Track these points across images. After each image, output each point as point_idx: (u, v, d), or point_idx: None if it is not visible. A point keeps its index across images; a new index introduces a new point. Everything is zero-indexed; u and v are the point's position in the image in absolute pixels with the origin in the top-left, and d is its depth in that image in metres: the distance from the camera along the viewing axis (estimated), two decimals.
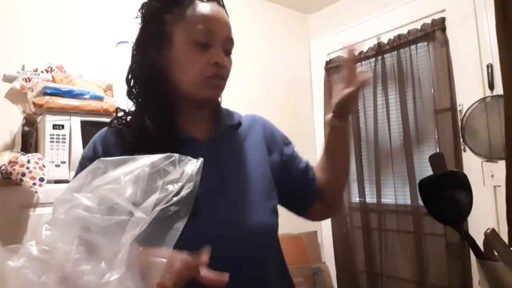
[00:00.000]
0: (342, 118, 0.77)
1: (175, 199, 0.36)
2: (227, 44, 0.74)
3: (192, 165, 0.38)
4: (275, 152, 0.82)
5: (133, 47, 0.77)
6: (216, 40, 0.71)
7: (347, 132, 0.80)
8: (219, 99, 0.81)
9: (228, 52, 0.75)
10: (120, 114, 0.79)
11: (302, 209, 0.85)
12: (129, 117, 0.77)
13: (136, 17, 0.77)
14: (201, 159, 0.42)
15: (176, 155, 0.39)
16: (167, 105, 0.74)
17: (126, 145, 0.69)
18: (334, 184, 0.83)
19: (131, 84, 0.77)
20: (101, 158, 0.39)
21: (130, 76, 0.77)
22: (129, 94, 0.78)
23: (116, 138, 0.72)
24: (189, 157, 0.40)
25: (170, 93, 0.73)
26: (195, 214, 0.62)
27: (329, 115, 0.78)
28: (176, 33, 0.71)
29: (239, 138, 0.81)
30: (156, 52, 0.72)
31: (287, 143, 0.87)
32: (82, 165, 0.69)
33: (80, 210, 0.35)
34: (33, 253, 0.36)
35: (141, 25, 0.76)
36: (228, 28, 0.74)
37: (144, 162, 0.38)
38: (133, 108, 0.79)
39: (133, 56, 0.76)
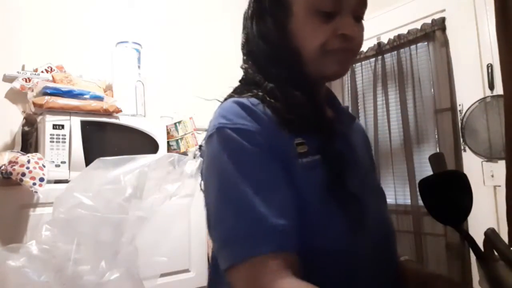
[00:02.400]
0: None
1: (174, 198, 0.36)
2: (359, 8, 0.61)
3: (192, 165, 0.38)
4: None
5: (245, 17, 0.67)
6: (344, 6, 0.58)
7: None
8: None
9: (359, 18, 0.61)
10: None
11: None
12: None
13: None
14: (200, 159, 0.41)
15: (176, 155, 0.39)
16: (309, 81, 0.62)
17: (285, 121, 0.57)
18: None
19: (251, 54, 0.66)
20: (101, 158, 0.38)
21: (247, 46, 0.67)
22: (251, 64, 0.66)
23: (269, 111, 0.58)
24: (188, 157, 0.40)
25: (297, 69, 0.62)
26: (365, 220, 0.56)
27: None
28: (296, 1, 0.60)
29: (353, 132, 0.71)
30: (274, 24, 0.62)
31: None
32: (250, 140, 0.53)
33: (81, 209, 0.36)
34: (34, 253, 0.36)
35: None
36: None
37: (143, 162, 0.38)
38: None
39: (246, 28, 0.67)
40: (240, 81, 0.68)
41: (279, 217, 0.49)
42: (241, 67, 0.68)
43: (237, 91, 0.65)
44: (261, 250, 0.47)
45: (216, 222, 0.52)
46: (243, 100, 0.58)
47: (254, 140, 0.53)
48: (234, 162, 0.51)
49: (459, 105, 1.92)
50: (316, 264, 0.52)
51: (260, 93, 0.60)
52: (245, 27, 0.68)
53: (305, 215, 0.52)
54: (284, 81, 0.61)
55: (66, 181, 1.41)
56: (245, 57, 0.68)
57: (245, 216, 0.48)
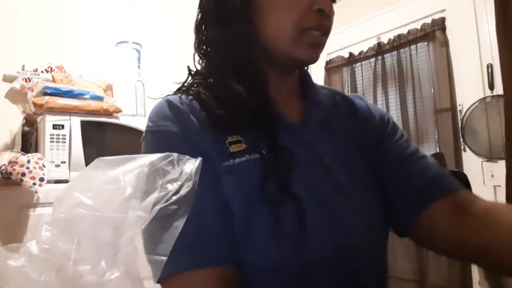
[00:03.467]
0: None
1: (174, 198, 0.37)
2: None
3: (191, 164, 0.38)
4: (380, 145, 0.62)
5: None
6: None
7: None
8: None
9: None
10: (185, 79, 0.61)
11: (410, 214, 0.56)
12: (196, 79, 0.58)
13: None
14: (199, 158, 0.40)
15: (175, 155, 0.39)
16: (258, 70, 0.54)
17: (214, 118, 0.51)
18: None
19: (202, 37, 0.59)
20: (101, 158, 0.38)
21: (200, 27, 0.59)
22: (199, 50, 0.60)
23: (200, 108, 0.52)
24: (187, 156, 0.40)
25: (257, 53, 0.54)
26: (305, 225, 0.47)
27: None
28: None
29: (336, 122, 0.62)
30: None
31: (395, 132, 0.64)
32: (170, 143, 0.49)
33: (81, 209, 0.36)
34: (34, 252, 0.37)
35: None
36: None
37: (143, 161, 0.38)
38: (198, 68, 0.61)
39: (200, 6, 0.60)
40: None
41: (206, 229, 0.45)
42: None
43: (180, 87, 0.60)
44: (187, 266, 0.43)
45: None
46: (173, 98, 0.54)
47: (175, 143, 0.49)
48: None
49: (459, 105, 1.92)
50: (246, 282, 0.46)
51: (195, 88, 0.55)
52: (200, 5, 0.60)
53: (232, 223, 0.47)
54: (227, 69, 0.54)
55: (66, 181, 1.42)
56: (195, 43, 0.60)
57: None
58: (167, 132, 0.50)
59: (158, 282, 0.44)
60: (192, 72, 0.61)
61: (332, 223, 0.50)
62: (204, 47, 0.59)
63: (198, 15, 0.60)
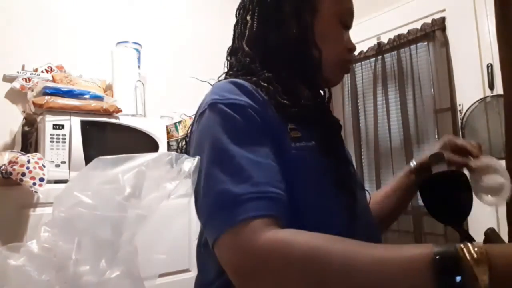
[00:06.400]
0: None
1: (173, 196, 0.37)
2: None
3: (189, 163, 0.38)
4: None
5: (254, 7, 0.66)
6: (350, 26, 0.68)
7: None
8: None
9: None
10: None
11: None
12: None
13: None
14: (198, 157, 0.41)
15: (173, 154, 0.39)
16: (320, 77, 0.66)
17: (281, 105, 0.59)
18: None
19: (253, 48, 0.65)
20: (100, 157, 0.38)
21: (251, 38, 0.66)
22: (260, 50, 0.65)
23: (263, 94, 0.59)
24: (185, 155, 0.40)
25: (316, 66, 0.65)
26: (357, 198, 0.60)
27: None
28: (323, 1, 0.64)
29: None
30: (296, 17, 0.63)
31: None
32: (245, 115, 0.54)
33: (80, 208, 0.36)
34: (34, 251, 0.37)
35: None
36: None
37: (141, 160, 0.38)
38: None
39: (254, 14, 0.66)
40: (228, 71, 0.70)
41: (270, 185, 0.48)
42: (230, 57, 0.71)
43: (231, 76, 0.67)
44: (252, 214, 0.45)
45: (208, 189, 0.46)
46: (238, 79, 0.59)
47: (247, 114, 0.53)
48: (227, 132, 0.50)
49: (459, 105, 1.92)
50: None
51: (254, 79, 0.61)
52: (249, 11, 0.67)
53: (299, 198, 0.53)
54: (291, 72, 0.64)
55: (66, 181, 1.42)
56: (245, 46, 0.65)
57: (237, 181, 0.46)
58: (239, 105, 0.54)
59: (220, 236, 0.44)
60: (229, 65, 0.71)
61: (362, 209, 0.64)
62: (264, 47, 0.65)
63: (250, 23, 0.66)
